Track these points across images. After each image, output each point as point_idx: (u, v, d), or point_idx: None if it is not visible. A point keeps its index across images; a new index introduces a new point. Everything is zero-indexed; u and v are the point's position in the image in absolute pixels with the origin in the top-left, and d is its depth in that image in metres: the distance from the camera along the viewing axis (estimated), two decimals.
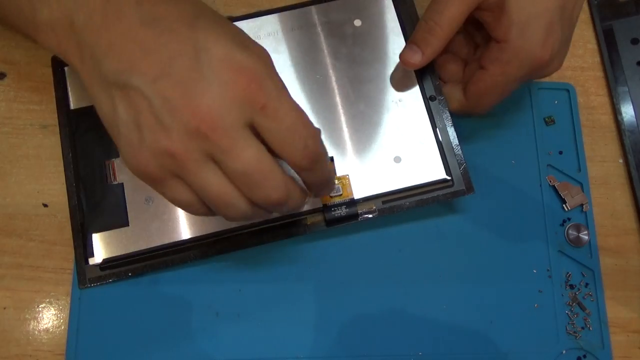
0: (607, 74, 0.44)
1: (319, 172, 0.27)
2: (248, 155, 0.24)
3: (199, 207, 0.27)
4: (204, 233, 0.35)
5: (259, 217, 0.27)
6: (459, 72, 0.39)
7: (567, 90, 0.43)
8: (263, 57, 0.26)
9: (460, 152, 0.37)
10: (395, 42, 0.39)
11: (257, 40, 0.35)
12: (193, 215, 0.35)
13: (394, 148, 0.37)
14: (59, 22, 0.26)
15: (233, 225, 0.36)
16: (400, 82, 0.38)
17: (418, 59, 0.35)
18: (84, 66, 0.26)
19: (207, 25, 0.25)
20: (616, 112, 0.43)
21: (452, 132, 0.38)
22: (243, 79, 0.24)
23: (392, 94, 0.38)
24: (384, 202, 0.37)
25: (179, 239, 0.35)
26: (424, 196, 0.37)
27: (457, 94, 0.38)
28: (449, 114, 0.38)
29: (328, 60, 0.39)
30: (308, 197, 0.29)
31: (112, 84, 0.25)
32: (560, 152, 0.41)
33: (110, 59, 0.25)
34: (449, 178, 0.37)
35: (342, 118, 0.38)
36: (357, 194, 0.36)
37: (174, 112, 0.24)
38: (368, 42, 0.39)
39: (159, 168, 0.25)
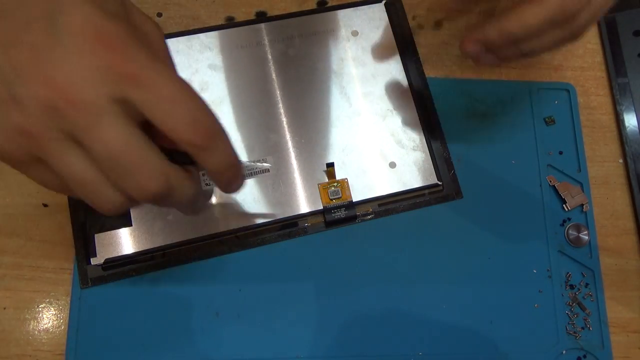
0: (608, 65, 0.44)
1: (218, 151, 0.23)
2: (113, 135, 0.21)
3: (69, 192, 0.23)
4: (206, 234, 0.35)
5: (138, 205, 0.24)
6: None
7: (567, 90, 0.43)
8: (125, 22, 0.22)
9: (450, 158, 0.39)
10: (389, 54, 0.41)
11: (256, 48, 0.34)
12: (196, 217, 0.35)
13: (389, 154, 0.38)
14: None
15: (235, 226, 0.36)
16: (395, 92, 0.40)
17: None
18: None
19: None
20: (616, 107, 0.43)
21: (442, 139, 0.40)
22: (102, 46, 0.21)
23: (387, 103, 0.39)
24: (380, 205, 0.38)
25: (182, 240, 0.35)
26: (417, 200, 0.38)
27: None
28: (440, 122, 0.40)
29: (328, 68, 0.40)
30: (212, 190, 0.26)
31: None
32: (560, 152, 0.41)
33: None
34: (440, 183, 0.38)
35: (341, 124, 0.39)
36: (355, 197, 0.37)
37: (26, 84, 0.21)
38: (364, 52, 0.40)
39: (17, 148, 0.21)
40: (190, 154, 0.23)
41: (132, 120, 0.21)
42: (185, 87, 0.22)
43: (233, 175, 0.25)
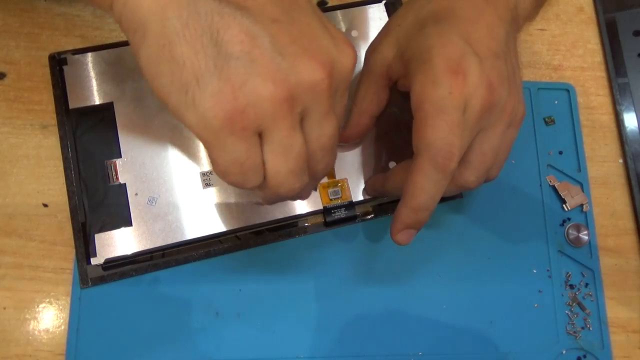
0: (608, 65, 0.44)
1: (334, 155, 0.29)
2: (335, 121, 0.26)
3: (254, 173, 0.25)
4: (206, 234, 0.35)
5: (288, 197, 0.27)
6: None
7: (567, 90, 0.43)
8: None
9: None
10: None
11: None
12: (195, 216, 0.35)
13: (389, 153, 0.38)
14: None
15: (235, 226, 0.36)
16: (394, 92, 0.39)
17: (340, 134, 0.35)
18: None
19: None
20: (616, 107, 0.43)
21: None
22: (354, 57, 0.25)
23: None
24: (380, 205, 0.38)
25: (182, 240, 0.35)
26: None
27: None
28: None
29: None
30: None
31: (211, 12, 0.22)
32: (560, 152, 0.41)
33: None
34: None
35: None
36: (355, 197, 0.37)
37: (297, 58, 0.23)
38: (362, 53, 0.40)
39: (251, 115, 0.23)
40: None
41: None
42: None
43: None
